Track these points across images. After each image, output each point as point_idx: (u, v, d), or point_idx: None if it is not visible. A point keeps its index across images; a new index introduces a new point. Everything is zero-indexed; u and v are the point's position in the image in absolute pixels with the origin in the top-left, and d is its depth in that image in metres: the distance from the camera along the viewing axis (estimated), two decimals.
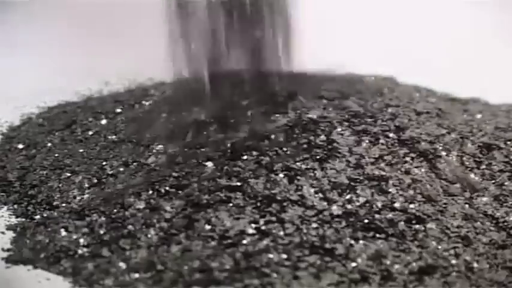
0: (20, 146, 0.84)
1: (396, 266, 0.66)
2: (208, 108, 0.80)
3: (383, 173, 0.72)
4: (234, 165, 0.73)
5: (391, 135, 0.76)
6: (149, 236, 0.68)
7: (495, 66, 0.99)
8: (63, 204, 0.74)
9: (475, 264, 0.67)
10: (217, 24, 0.82)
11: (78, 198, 0.75)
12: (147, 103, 0.87)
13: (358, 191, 0.70)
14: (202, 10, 0.82)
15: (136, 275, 0.65)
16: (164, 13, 0.82)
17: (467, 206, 0.72)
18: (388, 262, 0.66)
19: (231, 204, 0.69)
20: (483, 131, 0.79)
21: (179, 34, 0.82)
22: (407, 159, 0.74)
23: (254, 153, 0.74)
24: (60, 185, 0.77)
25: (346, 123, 0.77)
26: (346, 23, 1.06)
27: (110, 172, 0.77)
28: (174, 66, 0.82)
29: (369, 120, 0.78)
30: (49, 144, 0.83)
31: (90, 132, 0.84)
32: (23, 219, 0.73)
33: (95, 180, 0.76)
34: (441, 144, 0.76)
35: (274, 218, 0.68)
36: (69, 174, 0.78)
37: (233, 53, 0.83)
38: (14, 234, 0.71)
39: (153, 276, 0.65)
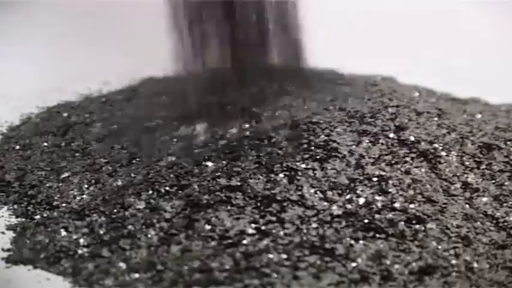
0: (17, 147, 0.84)
1: (396, 266, 0.66)
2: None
3: (383, 173, 0.72)
4: (234, 165, 0.73)
5: (391, 135, 0.76)
6: (149, 236, 0.68)
7: (495, 66, 0.99)
8: (63, 204, 0.74)
9: (475, 264, 0.67)
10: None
11: (78, 198, 0.75)
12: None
13: (358, 191, 0.70)
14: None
15: (136, 275, 0.65)
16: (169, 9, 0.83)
17: (467, 206, 0.71)
18: (388, 262, 0.66)
19: (231, 205, 0.69)
20: (483, 131, 0.79)
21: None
22: (407, 159, 0.74)
23: (254, 153, 0.74)
24: (60, 185, 0.77)
25: (346, 123, 0.77)
26: (346, 23, 1.05)
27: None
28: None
29: (369, 120, 0.78)
30: (45, 144, 0.83)
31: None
32: (23, 219, 0.73)
33: (93, 181, 0.76)
34: (441, 144, 0.76)
35: (274, 218, 0.68)
36: (68, 174, 0.78)
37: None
38: (14, 234, 0.71)
39: (153, 276, 0.65)
